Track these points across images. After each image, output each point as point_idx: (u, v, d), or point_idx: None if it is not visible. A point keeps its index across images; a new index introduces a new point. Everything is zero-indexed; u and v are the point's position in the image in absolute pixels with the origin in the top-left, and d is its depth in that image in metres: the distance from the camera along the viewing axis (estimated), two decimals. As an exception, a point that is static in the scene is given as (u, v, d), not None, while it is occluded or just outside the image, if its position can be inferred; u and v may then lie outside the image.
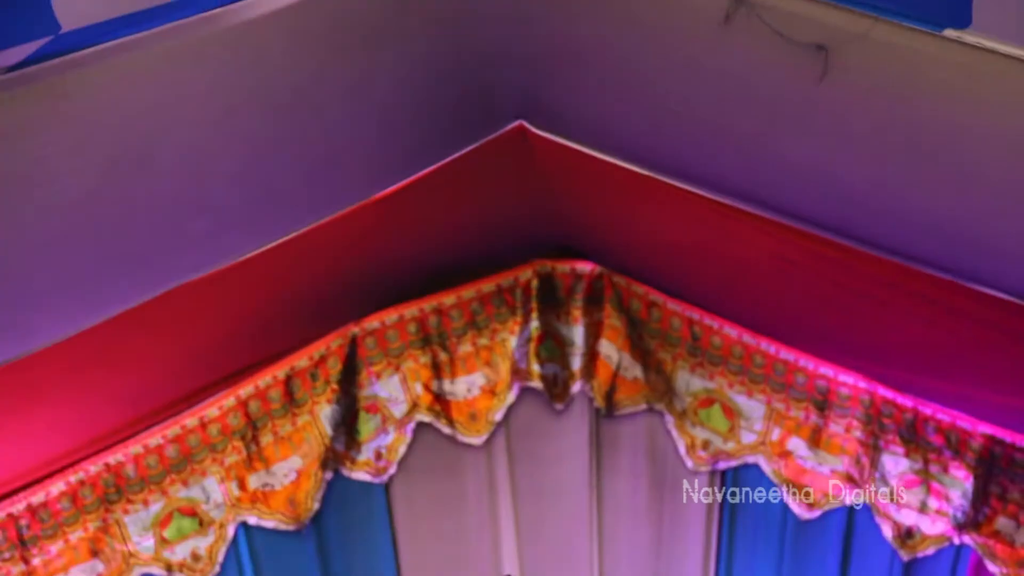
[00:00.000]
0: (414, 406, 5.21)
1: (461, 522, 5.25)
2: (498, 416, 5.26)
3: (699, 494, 5.21)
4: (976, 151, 3.58)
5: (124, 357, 4.62)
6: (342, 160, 4.40)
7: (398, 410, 5.21)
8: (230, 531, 5.05)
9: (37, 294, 3.99)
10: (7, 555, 4.88)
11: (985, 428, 5.05)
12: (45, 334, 4.20)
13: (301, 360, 5.12)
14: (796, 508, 5.17)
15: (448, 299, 5.24)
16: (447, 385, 5.23)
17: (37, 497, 4.90)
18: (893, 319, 4.68)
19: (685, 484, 5.23)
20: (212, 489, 5.04)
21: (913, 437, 5.13)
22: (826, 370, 5.16)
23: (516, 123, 4.65)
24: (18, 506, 4.89)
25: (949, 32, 3.29)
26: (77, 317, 4.22)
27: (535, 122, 4.62)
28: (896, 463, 5.13)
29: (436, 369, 5.22)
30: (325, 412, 5.13)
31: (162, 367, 4.85)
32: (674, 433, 5.25)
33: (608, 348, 5.26)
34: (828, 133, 3.85)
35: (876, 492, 5.15)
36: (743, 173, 4.31)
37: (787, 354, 5.19)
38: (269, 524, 5.07)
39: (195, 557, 5.02)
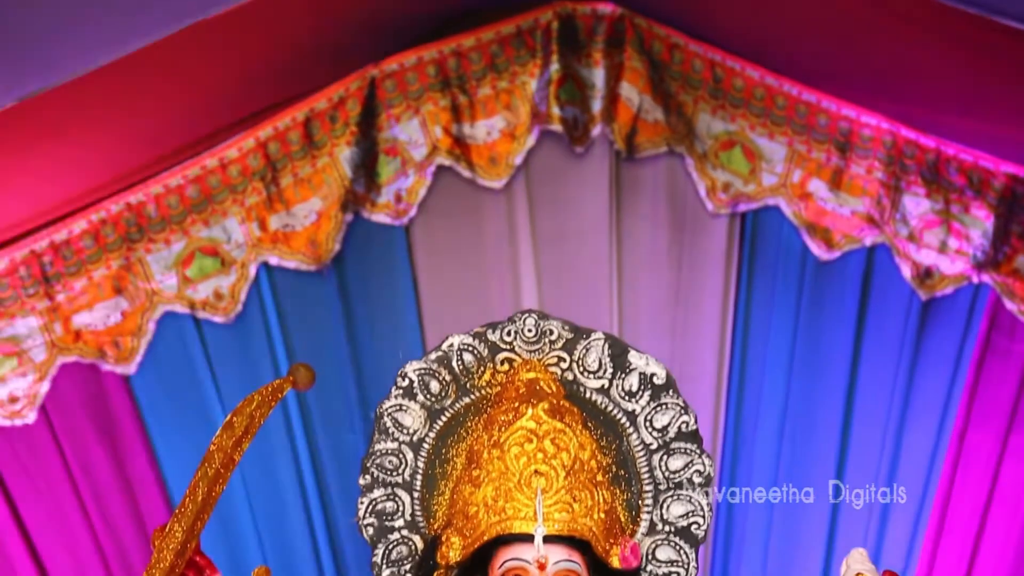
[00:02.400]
0: (434, 149, 5.19)
1: (481, 265, 5.27)
2: (518, 159, 5.24)
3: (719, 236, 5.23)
4: None
5: (142, 96, 4.61)
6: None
7: (418, 153, 5.20)
8: (252, 271, 5.08)
9: (52, 28, 3.95)
10: (31, 291, 4.94)
11: (1008, 167, 5.03)
12: (62, 69, 4.17)
13: (320, 102, 5.09)
14: (816, 250, 5.18)
15: (467, 41, 5.18)
16: (467, 128, 5.21)
17: (59, 235, 4.93)
18: (918, 57, 4.62)
19: (705, 226, 5.24)
20: (233, 229, 5.06)
21: (935, 177, 5.11)
22: (848, 111, 5.12)
23: None
24: (41, 243, 4.92)
25: None
26: (94, 53, 4.18)
27: None
28: (917, 204, 5.13)
29: (456, 112, 5.19)
30: (345, 154, 5.12)
31: (180, 107, 4.84)
32: (695, 176, 5.23)
33: (629, 90, 5.22)
34: None
35: (896, 233, 5.16)
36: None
37: (809, 95, 5.14)
38: (290, 265, 5.10)
39: (218, 296, 5.07)
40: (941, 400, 5.15)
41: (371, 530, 3.58)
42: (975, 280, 5.11)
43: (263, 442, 4.50)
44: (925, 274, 5.12)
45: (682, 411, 3.59)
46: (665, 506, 3.59)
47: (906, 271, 5.14)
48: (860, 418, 5.16)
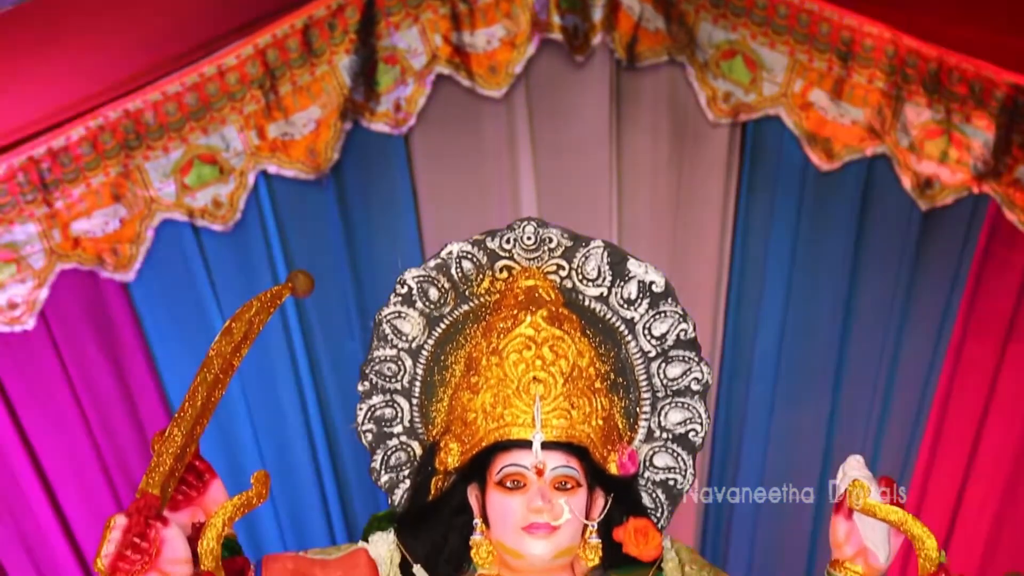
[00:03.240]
0: (433, 58, 5.16)
1: (480, 174, 5.25)
2: (518, 68, 5.21)
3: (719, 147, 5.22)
4: None
5: (140, 1, 4.58)
6: None
7: (417, 62, 5.16)
8: (250, 179, 5.07)
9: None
10: (30, 197, 4.92)
11: (1009, 77, 5.00)
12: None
13: (319, 9, 5.05)
14: (816, 160, 5.16)
15: (467, -52, 5.16)
16: (467, 37, 5.17)
17: (57, 141, 4.90)
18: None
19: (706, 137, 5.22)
20: (232, 137, 5.04)
21: (936, 87, 5.08)
22: (850, 20, 5.08)
23: None
24: (39, 150, 4.90)
25: None
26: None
27: None
28: (918, 114, 5.10)
29: (455, 20, 5.15)
30: (343, 63, 5.09)
31: (179, 13, 4.81)
32: (695, 85, 5.20)
33: (630, -1, 5.19)
34: None
35: (897, 143, 5.14)
36: None
37: (811, 4, 5.10)
38: (289, 173, 5.09)
39: (216, 204, 5.06)
40: (939, 311, 5.15)
41: (370, 436, 3.60)
42: (975, 190, 5.10)
43: (262, 349, 4.52)
44: (925, 184, 5.11)
45: (681, 319, 3.60)
46: (663, 413, 3.60)
47: (906, 181, 5.13)
48: (858, 329, 5.17)
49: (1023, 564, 4.78)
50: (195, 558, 3.23)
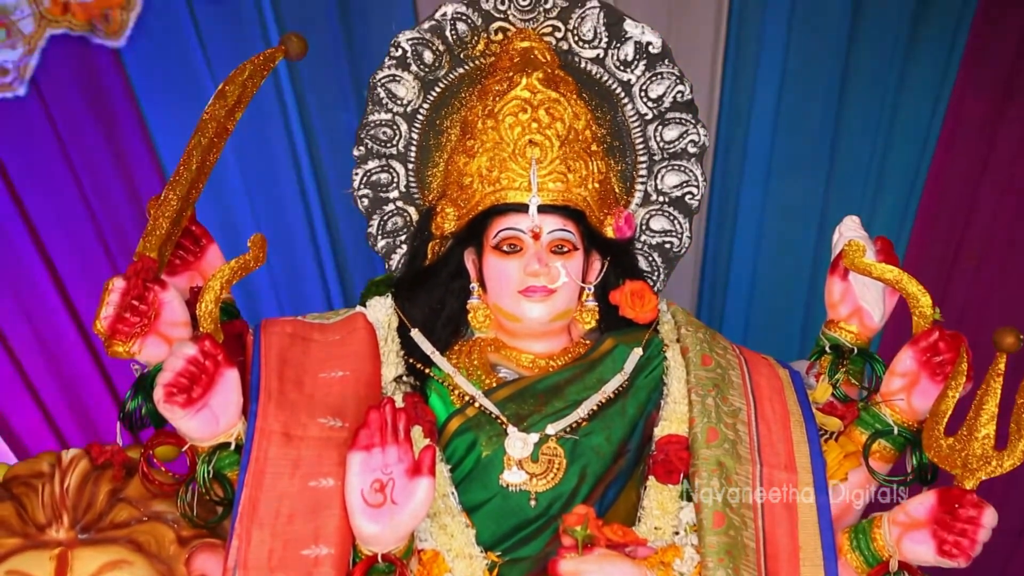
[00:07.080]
0: None
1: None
2: None
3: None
4: None
5: None
6: None
7: None
8: None
9: None
10: (15, -41, 4.86)
11: None
12: None
13: None
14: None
15: None
16: None
17: None
18: None
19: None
20: None
21: None
22: None
23: None
24: None
25: None
26: None
27: None
28: None
29: None
30: None
31: None
32: None
33: None
34: None
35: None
36: None
37: None
38: (280, -64, 5.01)
39: None
40: (939, 70, 5.07)
41: (366, 201, 3.60)
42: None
43: (256, 115, 4.45)
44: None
45: (678, 81, 3.57)
46: (659, 176, 3.59)
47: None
48: (857, 89, 5.10)
49: (1020, 321, 4.79)
50: (194, 321, 3.26)
